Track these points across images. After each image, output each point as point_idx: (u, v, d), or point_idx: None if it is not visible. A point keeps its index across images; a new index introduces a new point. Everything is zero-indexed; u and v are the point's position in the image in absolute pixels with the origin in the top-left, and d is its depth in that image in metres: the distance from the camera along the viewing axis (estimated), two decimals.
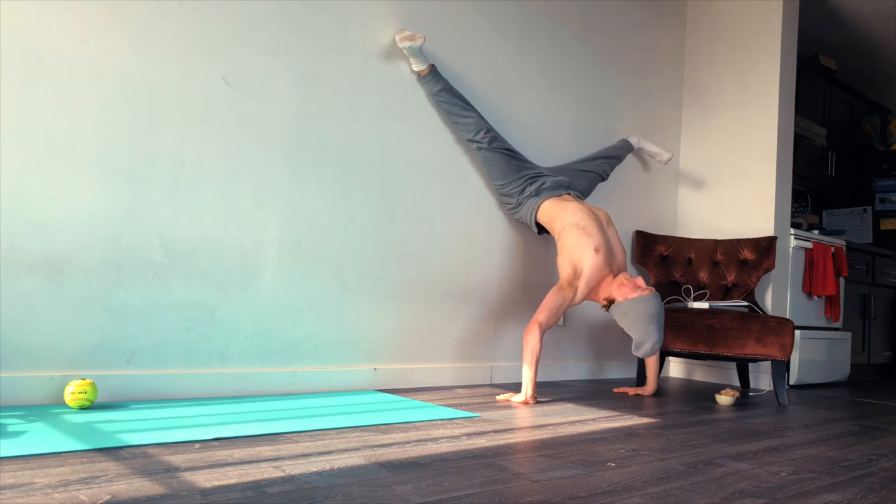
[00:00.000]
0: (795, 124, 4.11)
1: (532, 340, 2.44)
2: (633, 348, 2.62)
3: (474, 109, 2.80)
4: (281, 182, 2.36)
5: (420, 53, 2.65)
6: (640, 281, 2.58)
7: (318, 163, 2.45)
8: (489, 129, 2.80)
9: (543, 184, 2.83)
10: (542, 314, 2.47)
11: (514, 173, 2.85)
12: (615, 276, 2.63)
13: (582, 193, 3.01)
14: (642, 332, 2.55)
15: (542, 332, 2.46)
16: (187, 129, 2.15)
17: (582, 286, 2.54)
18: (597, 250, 2.56)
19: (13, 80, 1.85)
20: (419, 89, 2.75)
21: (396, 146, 2.68)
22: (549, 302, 2.48)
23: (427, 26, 2.78)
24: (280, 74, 2.36)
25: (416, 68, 2.70)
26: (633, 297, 2.55)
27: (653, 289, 2.62)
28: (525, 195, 2.84)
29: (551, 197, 2.79)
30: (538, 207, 2.79)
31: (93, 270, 1.97)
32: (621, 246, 2.72)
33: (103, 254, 1.99)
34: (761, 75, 3.68)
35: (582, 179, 3.09)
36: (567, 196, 2.82)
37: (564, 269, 2.58)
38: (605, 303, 2.64)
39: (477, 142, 2.81)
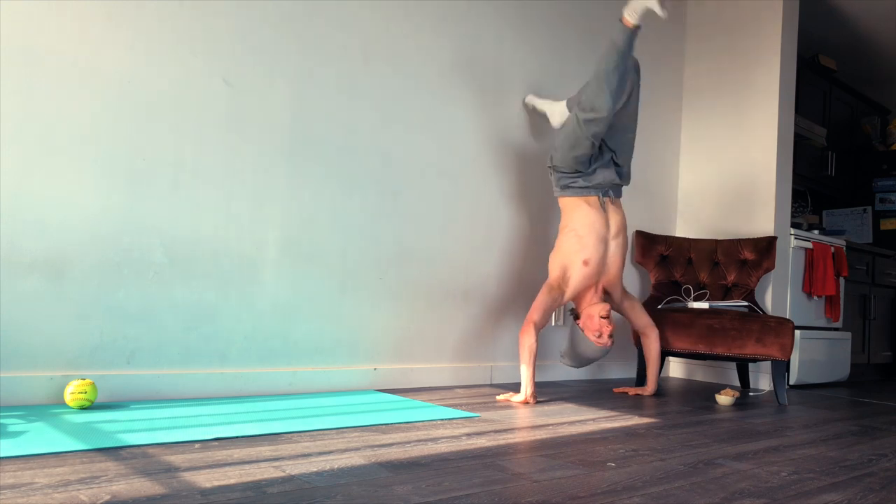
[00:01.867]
0: (795, 124, 4.11)
1: (528, 340, 2.49)
2: (560, 353, 2.83)
3: (622, 100, 2.61)
4: (281, 182, 2.36)
5: (644, 11, 2.41)
6: (606, 329, 2.62)
7: (318, 163, 2.45)
8: (607, 123, 2.58)
9: (575, 182, 2.69)
10: (535, 314, 2.54)
11: (575, 164, 2.66)
12: (600, 289, 2.72)
13: (624, 177, 2.80)
14: (572, 356, 2.75)
15: (537, 331, 2.53)
16: (187, 130, 2.15)
17: (568, 292, 2.66)
18: (585, 263, 2.64)
19: (13, 80, 1.85)
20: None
21: (396, 146, 2.68)
22: (541, 302, 2.57)
23: (426, 28, 2.77)
24: (280, 74, 2.36)
25: (632, 20, 2.43)
26: (588, 335, 2.65)
27: (609, 342, 2.64)
28: (559, 185, 2.74)
29: (574, 196, 2.70)
30: (558, 200, 2.81)
31: (93, 270, 1.97)
32: (620, 260, 2.74)
33: (103, 254, 1.99)
34: (761, 75, 3.68)
35: (628, 148, 2.79)
36: (593, 199, 2.69)
37: (554, 269, 2.67)
38: (577, 311, 2.76)
39: (586, 116, 2.55)
